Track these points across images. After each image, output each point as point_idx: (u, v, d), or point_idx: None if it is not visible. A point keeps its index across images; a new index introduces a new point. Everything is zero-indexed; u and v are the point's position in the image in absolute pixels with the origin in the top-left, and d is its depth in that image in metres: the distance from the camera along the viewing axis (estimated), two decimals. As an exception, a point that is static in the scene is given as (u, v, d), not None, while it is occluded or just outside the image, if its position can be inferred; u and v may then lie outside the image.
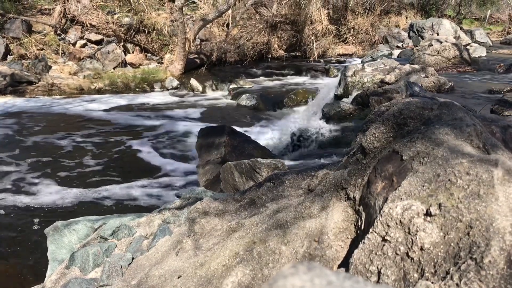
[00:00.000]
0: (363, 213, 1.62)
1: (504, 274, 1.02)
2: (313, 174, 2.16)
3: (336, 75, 10.07)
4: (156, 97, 9.66)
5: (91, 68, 10.86)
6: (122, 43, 11.95)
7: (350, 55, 14.73)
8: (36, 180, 5.14)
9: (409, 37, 14.55)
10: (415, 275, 1.19)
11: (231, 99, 9.67)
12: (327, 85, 7.94)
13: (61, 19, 12.04)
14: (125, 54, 11.80)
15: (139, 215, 2.68)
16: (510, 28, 19.82)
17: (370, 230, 1.34)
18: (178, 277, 1.88)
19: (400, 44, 15.21)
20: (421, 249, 1.20)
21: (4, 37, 10.85)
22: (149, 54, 12.41)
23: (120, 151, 6.23)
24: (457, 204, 1.23)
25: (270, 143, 6.14)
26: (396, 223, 1.28)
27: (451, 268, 1.11)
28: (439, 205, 1.25)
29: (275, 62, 13.04)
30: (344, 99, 6.50)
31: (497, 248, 1.07)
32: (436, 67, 8.09)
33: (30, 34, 11.37)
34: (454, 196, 1.26)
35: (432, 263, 1.17)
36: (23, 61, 10.42)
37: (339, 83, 6.95)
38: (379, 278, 1.25)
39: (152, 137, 6.91)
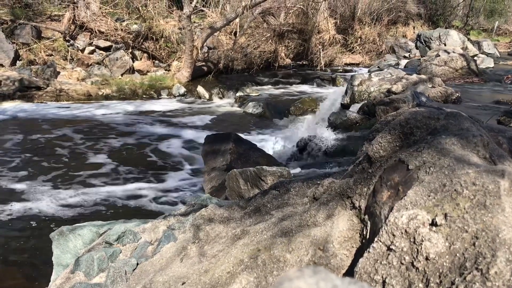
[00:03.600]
0: (369, 222, 1.62)
1: (510, 285, 1.02)
2: (318, 182, 2.15)
3: (343, 84, 10.08)
4: (163, 104, 9.71)
5: (99, 74, 10.94)
6: (130, 50, 12.04)
7: (357, 65, 14.75)
8: (42, 184, 5.16)
9: (416, 48, 14.57)
10: (420, 285, 1.18)
11: (238, 106, 9.70)
12: (334, 94, 7.94)
13: (70, 26, 12.16)
14: (133, 61, 11.88)
15: (144, 221, 2.68)
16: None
17: (375, 239, 1.34)
18: (182, 284, 1.87)
19: (407, 54, 15.23)
20: (427, 259, 1.20)
21: (14, 42, 10.96)
22: (156, 61, 12.48)
23: (126, 157, 6.25)
24: (463, 215, 1.22)
25: (275, 151, 6.14)
26: (402, 233, 1.28)
27: (457, 279, 1.11)
28: (445, 215, 1.25)
29: (282, 71, 13.08)
30: (351, 108, 6.49)
31: (503, 259, 1.06)
32: (443, 77, 8.08)
33: (40, 40, 11.48)
34: (460, 206, 1.25)
35: (437, 273, 1.16)
36: (32, 66, 10.51)
37: (346, 92, 6.95)
38: (383, 288, 1.25)
39: (158, 143, 6.94)
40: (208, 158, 5.27)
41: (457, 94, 6.31)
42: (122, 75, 11.19)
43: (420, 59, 11.13)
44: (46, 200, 4.75)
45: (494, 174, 1.30)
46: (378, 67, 12.48)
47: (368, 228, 1.61)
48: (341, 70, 13.56)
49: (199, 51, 11.41)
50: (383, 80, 6.60)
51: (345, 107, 6.78)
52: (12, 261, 3.60)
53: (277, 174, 3.38)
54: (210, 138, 5.61)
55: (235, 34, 13.76)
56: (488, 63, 11.34)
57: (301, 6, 13.66)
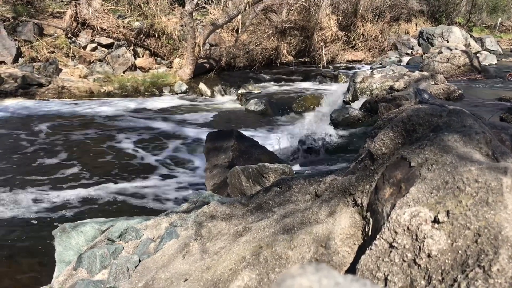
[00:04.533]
0: (371, 219, 1.62)
1: (512, 282, 1.02)
2: (320, 179, 2.15)
3: (345, 82, 10.07)
4: (165, 101, 9.71)
5: (101, 71, 10.94)
6: (132, 47, 12.04)
7: (359, 62, 14.71)
8: (44, 182, 5.17)
9: (419, 44, 14.53)
10: (422, 282, 1.18)
11: (240, 104, 9.70)
12: (336, 91, 7.94)
13: (72, 23, 12.16)
14: (135, 58, 11.88)
15: (146, 218, 2.69)
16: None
17: (378, 236, 1.34)
18: (185, 280, 1.88)
19: (409, 51, 15.18)
20: (429, 256, 1.20)
21: (16, 39, 10.97)
22: (158, 58, 12.48)
23: (128, 154, 6.26)
24: (466, 212, 1.22)
25: (277, 148, 6.13)
26: (404, 230, 1.28)
27: (459, 276, 1.11)
28: (447, 212, 1.25)
29: (284, 68, 13.05)
30: (353, 105, 6.49)
31: (505, 257, 1.06)
32: (446, 74, 8.06)
33: (42, 37, 11.49)
34: (462, 203, 1.25)
35: (440, 271, 1.16)
36: (34, 63, 10.52)
37: (348, 89, 6.95)
38: (385, 285, 1.25)
39: (160, 140, 6.94)
40: (210, 155, 5.26)
41: (460, 91, 6.30)
42: (124, 72, 11.20)
43: (422, 56, 11.10)
44: (48, 197, 4.76)
45: (497, 171, 1.29)
46: (381, 64, 12.45)
47: (370, 225, 1.61)
48: (343, 67, 13.52)
49: (201, 48, 11.41)
50: (386, 77, 6.59)
51: (347, 104, 6.77)
52: (15, 258, 3.61)
53: (279, 171, 3.38)
54: (212, 135, 5.61)
55: (237, 31, 13.75)
56: (491, 60, 11.30)
57: (303, 3, 13.62)
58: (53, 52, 11.36)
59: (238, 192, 3.61)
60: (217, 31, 12.72)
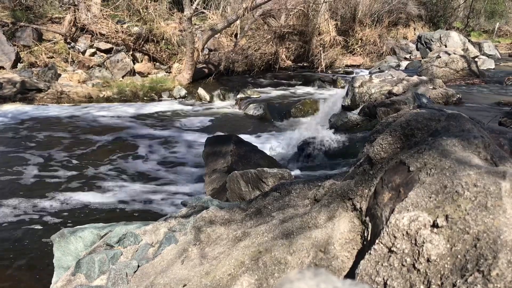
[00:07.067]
0: (370, 224, 1.61)
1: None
2: (319, 184, 2.15)
3: (344, 86, 10.08)
4: (164, 106, 9.71)
5: (100, 76, 10.95)
6: (131, 52, 12.05)
7: (358, 66, 14.73)
8: (43, 187, 5.16)
9: (417, 49, 14.59)
10: (422, 287, 1.18)
11: (239, 108, 9.70)
12: (335, 96, 7.96)
13: (71, 28, 12.17)
14: (134, 63, 11.89)
15: (145, 223, 2.68)
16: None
17: (377, 241, 1.34)
18: (183, 286, 1.87)
19: (408, 56, 15.23)
20: (428, 260, 1.20)
21: (15, 45, 10.98)
22: (157, 63, 12.49)
23: (127, 159, 6.25)
24: (464, 216, 1.22)
25: (276, 153, 6.14)
26: (403, 234, 1.28)
27: (458, 281, 1.11)
28: (446, 217, 1.25)
29: (282, 73, 13.07)
30: (352, 110, 6.50)
31: (504, 261, 1.06)
32: (444, 79, 8.08)
33: (41, 42, 11.50)
34: (461, 207, 1.25)
35: (439, 275, 1.16)
36: (33, 69, 10.52)
37: (347, 94, 6.96)
38: (385, 290, 1.24)
39: (159, 145, 6.94)
40: (209, 160, 5.26)
41: (458, 96, 6.31)
42: (123, 77, 11.20)
43: (421, 60, 11.14)
44: (47, 202, 4.75)
45: (496, 176, 1.29)
46: (379, 68, 12.48)
47: (369, 230, 1.61)
48: (342, 72, 13.54)
49: (200, 53, 11.43)
50: (384, 81, 6.61)
51: (346, 108, 6.78)
52: (13, 264, 3.60)
53: (278, 176, 3.38)
54: (211, 140, 5.61)
55: (235, 36, 13.78)
56: (489, 64, 11.33)
57: (302, 8, 13.66)
58: (52, 57, 11.37)
59: (237, 197, 3.60)
60: (216, 36, 12.74)
